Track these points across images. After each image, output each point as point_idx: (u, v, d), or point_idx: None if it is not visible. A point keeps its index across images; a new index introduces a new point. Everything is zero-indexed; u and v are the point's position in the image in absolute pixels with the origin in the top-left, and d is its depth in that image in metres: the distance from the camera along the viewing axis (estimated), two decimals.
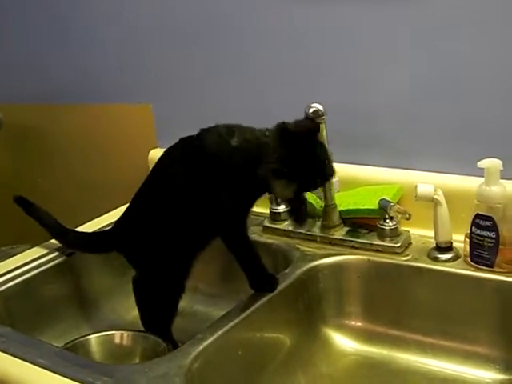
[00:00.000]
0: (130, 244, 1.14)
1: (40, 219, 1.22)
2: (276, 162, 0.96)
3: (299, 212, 1.08)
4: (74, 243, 1.23)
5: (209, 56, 1.42)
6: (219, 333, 0.96)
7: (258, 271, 1.06)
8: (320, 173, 1.01)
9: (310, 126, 1.02)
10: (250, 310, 1.01)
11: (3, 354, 0.93)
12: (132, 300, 1.17)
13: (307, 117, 1.09)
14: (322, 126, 1.13)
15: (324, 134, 1.13)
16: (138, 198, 1.14)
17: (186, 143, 1.08)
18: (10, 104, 1.74)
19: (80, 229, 1.29)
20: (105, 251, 1.20)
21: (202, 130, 1.07)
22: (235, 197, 1.02)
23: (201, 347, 0.92)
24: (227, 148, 1.02)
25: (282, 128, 0.99)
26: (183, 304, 1.15)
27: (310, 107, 1.12)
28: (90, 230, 1.29)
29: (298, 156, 0.96)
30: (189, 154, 1.07)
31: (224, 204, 1.02)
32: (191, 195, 1.05)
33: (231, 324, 0.98)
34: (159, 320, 1.13)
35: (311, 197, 1.20)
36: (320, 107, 1.12)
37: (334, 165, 1.02)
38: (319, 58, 1.27)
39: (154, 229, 1.10)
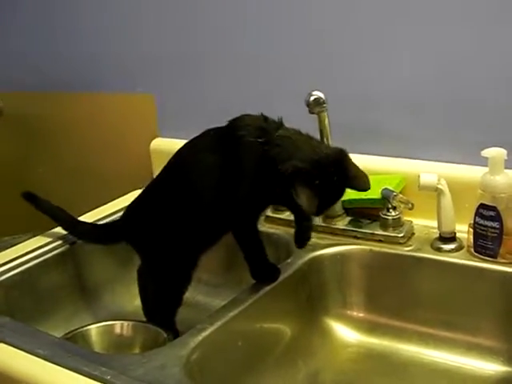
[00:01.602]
0: (140, 234, 1.13)
1: (50, 213, 1.21)
2: (309, 165, 0.95)
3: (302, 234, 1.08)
4: (85, 235, 1.22)
5: (211, 46, 1.41)
6: (219, 323, 0.95)
7: (260, 261, 1.05)
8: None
9: (364, 185, 1.00)
10: (251, 300, 1.01)
11: (1, 344, 0.92)
12: (133, 289, 1.17)
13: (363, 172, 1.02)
14: (324, 115, 1.12)
15: (326, 123, 1.13)
16: (152, 189, 1.13)
17: (215, 134, 1.06)
18: (10, 92, 1.73)
19: (82, 218, 1.28)
20: (115, 242, 1.19)
21: (244, 116, 1.04)
22: (255, 190, 1.01)
23: (200, 337, 0.92)
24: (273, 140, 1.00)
25: (342, 160, 0.98)
26: (185, 294, 1.14)
27: (311, 95, 1.11)
28: (93, 220, 1.29)
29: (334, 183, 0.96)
30: (222, 144, 1.04)
31: (242, 195, 1.00)
32: (212, 188, 1.03)
33: (231, 314, 0.97)
34: (164, 311, 1.12)
35: None
36: (321, 95, 1.11)
37: None
38: (321, 47, 1.26)
39: (168, 220, 1.08)
